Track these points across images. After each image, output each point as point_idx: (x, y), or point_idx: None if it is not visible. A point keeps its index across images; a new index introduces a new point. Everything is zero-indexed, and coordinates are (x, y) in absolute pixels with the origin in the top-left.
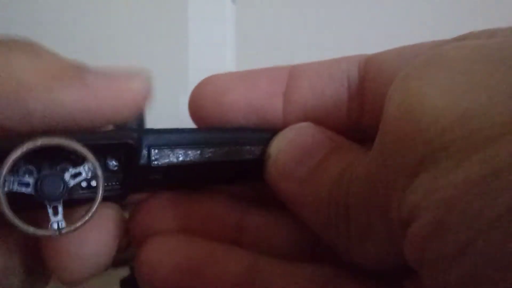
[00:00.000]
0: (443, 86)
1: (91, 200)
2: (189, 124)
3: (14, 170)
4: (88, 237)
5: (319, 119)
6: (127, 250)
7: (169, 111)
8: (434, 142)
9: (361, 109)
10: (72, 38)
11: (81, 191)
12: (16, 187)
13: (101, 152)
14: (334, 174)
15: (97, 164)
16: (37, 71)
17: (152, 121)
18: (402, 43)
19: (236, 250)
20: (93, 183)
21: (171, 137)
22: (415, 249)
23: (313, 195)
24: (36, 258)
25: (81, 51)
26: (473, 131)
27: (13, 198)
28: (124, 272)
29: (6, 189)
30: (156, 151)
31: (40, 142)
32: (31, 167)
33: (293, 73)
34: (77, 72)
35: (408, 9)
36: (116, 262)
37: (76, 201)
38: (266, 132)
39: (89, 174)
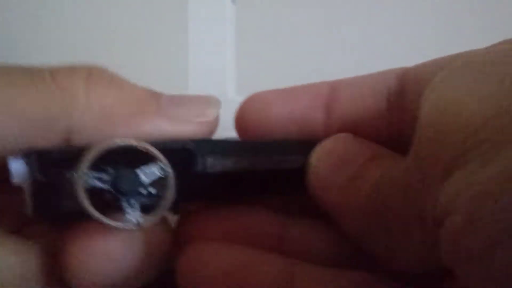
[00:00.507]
0: (475, 87)
1: (155, 203)
2: None
3: (92, 167)
4: (115, 254)
5: (360, 130)
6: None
7: None
8: (468, 141)
9: (401, 120)
10: (72, 38)
11: (146, 195)
12: (95, 183)
13: (165, 154)
14: (372, 181)
15: (167, 164)
16: (122, 103)
17: None
18: (404, 43)
19: (276, 256)
20: (153, 191)
21: (223, 146)
22: (449, 247)
23: (351, 203)
24: (57, 267)
25: (82, 51)
26: (505, 128)
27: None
28: None
29: (86, 184)
30: (211, 158)
31: (117, 142)
32: (103, 166)
33: (334, 86)
34: (155, 101)
35: (408, 10)
36: None
37: (144, 207)
38: (310, 143)
39: (161, 173)
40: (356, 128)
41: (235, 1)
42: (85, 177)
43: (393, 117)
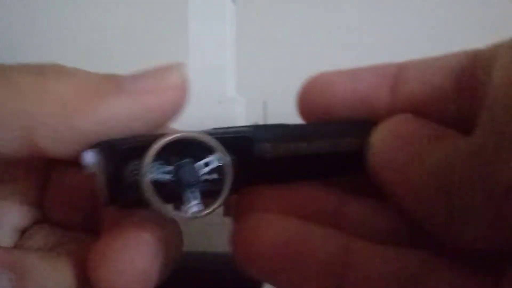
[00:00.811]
0: None
1: (214, 191)
2: (189, 121)
3: (155, 160)
4: (122, 267)
5: (427, 110)
6: None
7: None
8: None
9: (471, 101)
10: (73, 38)
11: (205, 184)
12: (159, 176)
13: (223, 143)
14: (435, 158)
15: (226, 153)
16: (77, 90)
17: None
18: (404, 43)
19: (332, 231)
20: (214, 175)
21: (280, 132)
22: None
23: (413, 181)
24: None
25: (82, 50)
26: None
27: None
28: None
29: (150, 177)
30: (269, 144)
31: (178, 135)
32: (162, 162)
33: (402, 67)
34: (113, 82)
35: (410, 10)
36: None
37: (204, 192)
38: (370, 124)
39: (219, 162)
40: (423, 109)
41: (235, 1)
42: (149, 171)
43: (463, 99)
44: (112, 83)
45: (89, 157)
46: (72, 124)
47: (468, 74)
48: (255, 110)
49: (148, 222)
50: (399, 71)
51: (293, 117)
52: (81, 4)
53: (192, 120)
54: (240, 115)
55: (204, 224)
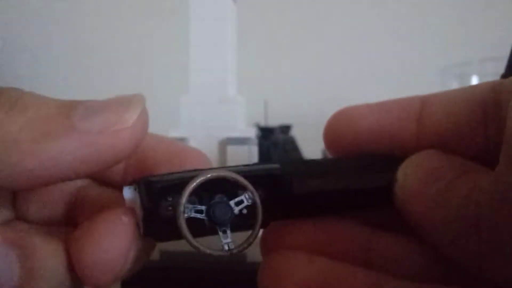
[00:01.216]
0: None
1: (247, 226)
2: (190, 121)
3: (189, 198)
4: (105, 246)
5: (454, 144)
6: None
7: (170, 111)
8: None
9: (498, 132)
10: (73, 38)
11: (236, 219)
12: (193, 214)
13: (253, 181)
14: (463, 193)
15: (255, 193)
16: (27, 128)
17: (153, 121)
18: (405, 43)
19: (362, 270)
20: (244, 211)
21: (309, 167)
22: None
23: (441, 215)
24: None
25: (82, 51)
26: None
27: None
28: None
29: (185, 216)
30: (297, 180)
31: (211, 176)
32: (194, 198)
33: (426, 100)
34: (65, 118)
35: (409, 10)
36: None
37: (234, 228)
38: (396, 159)
39: (250, 201)
40: (449, 142)
41: (236, 0)
42: (184, 210)
43: (490, 130)
44: (64, 120)
45: (128, 193)
46: (15, 162)
47: (493, 106)
48: (256, 109)
49: (127, 208)
50: (424, 104)
51: (293, 117)
52: (82, 5)
53: (193, 120)
54: (241, 114)
55: None
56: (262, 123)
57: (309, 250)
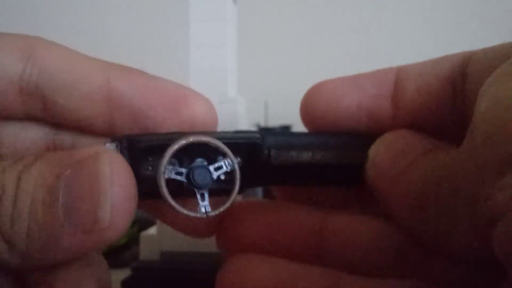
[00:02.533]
0: None
1: (224, 191)
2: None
3: (169, 161)
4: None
5: (426, 121)
6: (127, 251)
7: None
8: None
9: (463, 107)
10: (73, 37)
11: (216, 184)
12: (173, 175)
13: (233, 148)
14: (426, 170)
15: (235, 160)
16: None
17: None
18: (405, 43)
19: (319, 269)
20: (223, 177)
21: (288, 140)
22: (503, 247)
23: (404, 191)
24: None
25: (82, 51)
26: None
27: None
28: (125, 273)
29: (165, 176)
30: (275, 151)
31: (193, 140)
32: (174, 160)
33: (399, 74)
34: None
35: (408, 12)
36: (118, 263)
37: (212, 192)
38: (371, 138)
39: (229, 168)
40: (423, 117)
41: (236, 1)
42: (165, 171)
43: (457, 104)
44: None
45: (110, 149)
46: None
47: (460, 80)
48: (256, 110)
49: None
50: (398, 78)
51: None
52: (82, 5)
53: None
54: (241, 115)
55: None
56: (262, 124)
57: (265, 245)
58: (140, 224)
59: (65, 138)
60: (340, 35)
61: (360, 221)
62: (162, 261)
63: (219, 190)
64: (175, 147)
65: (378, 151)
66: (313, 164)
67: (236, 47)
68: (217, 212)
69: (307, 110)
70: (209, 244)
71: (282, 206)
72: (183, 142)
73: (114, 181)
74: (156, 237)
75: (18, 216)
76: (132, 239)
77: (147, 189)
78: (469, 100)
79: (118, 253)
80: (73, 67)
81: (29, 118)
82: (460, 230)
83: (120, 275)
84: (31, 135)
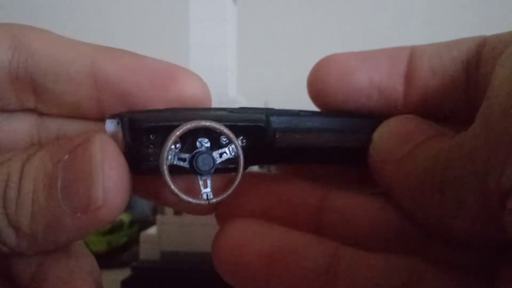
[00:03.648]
0: None
1: (228, 170)
2: None
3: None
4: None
5: (439, 99)
6: (127, 251)
7: None
8: None
9: (475, 91)
10: (73, 37)
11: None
12: (176, 161)
13: (237, 130)
14: (431, 153)
15: (239, 147)
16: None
17: None
18: (404, 42)
19: (318, 239)
20: (226, 162)
21: (293, 121)
22: None
23: (408, 175)
24: None
25: None
26: None
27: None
28: (125, 273)
29: (168, 162)
30: (280, 133)
31: (197, 124)
32: (182, 142)
33: (413, 54)
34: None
35: (409, 11)
36: (118, 263)
37: (217, 171)
38: (375, 121)
39: (232, 154)
40: (435, 97)
41: (236, 1)
42: (168, 156)
43: (469, 87)
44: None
45: (110, 126)
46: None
47: (474, 64)
48: None
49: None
50: (411, 58)
51: None
52: (82, 6)
53: None
54: None
55: (204, 225)
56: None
57: (263, 212)
58: (140, 224)
59: (51, 126)
60: (340, 35)
61: (360, 200)
62: (162, 261)
63: (221, 169)
64: (177, 133)
65: (382, 135)
66: (317, 146)
67: (236, 47)
68: (219, 198)
69: (315, 84)
70: (209, 244)
71: (283, 180)
72: (187, 126)
73: (105, 164)
74: (156, 237)
75: (22, 201)
76: (132, 239)
77: (148, 166)
78: (482, 83)
79: (118, 253)
80: (59, 51)
81: (22, 108)
82: (465, 213)
83: (120, 275)
84: (18, 125)
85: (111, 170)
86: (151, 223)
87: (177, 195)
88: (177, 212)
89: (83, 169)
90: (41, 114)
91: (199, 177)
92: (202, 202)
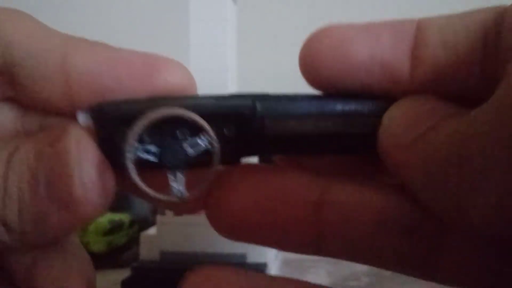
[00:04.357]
0: None
1: (204, 162)
2: None
3: (140, 136)
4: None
5: (450, 75)
6: (127, 251)
7: None
8: None
9: (494, 66)
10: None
11: (192, 160)
12: (142, 155)
13: (217, 119)
14: (448, 133)
15: (214, 137)
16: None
17: None
18: None
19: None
20: (200, 154)
21: (285, 106)
22: None
23: (422, 159)
24: None
25: None
26: None
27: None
28: (125, 273)
29: (133, 157)
30: (270, 121)
31: (162, 113)
32: (151, 133)
33: (421, 26)
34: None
35: (409, 11)
36: (118, 263)
37: (191, 163)
38: (382, 102)
39: (207, 145)
40: (445, 77)
41: (236, 1)
42: (133, 150)
43: (488, 61)
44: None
45: (82, 119)
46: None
47: (493, 35)
48: None
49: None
50: (419, 31)
51: None
52: (82, 6)
53: None
54: None
55: (204, 225)
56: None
57: (259, 216)
58: (140, 224)
59: (33, 120)
60: None
61: (364, 193)
62: (162, 261)
63: (197, 164)
64: (142, 123)
65: (393, 118)
66: (316, 133)
67: (236, 46)
68: (192, 194)
69: (307, 56)
70: (209, 244)
71: (279, 172)
72: (155, 116)
73: (81, 159)
74: (156, 237)
75: (9, 197)
76: (132, 239)
77: (124, 160)
78: (503, 57)
79: (118, 253)
80: (32, 44)
81: (4, 98)
82: (489, 188)
83: (120, 275)
84: (1, 116)
85: (89, 165)
86: (151, 223)
87: (145, 192)
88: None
89: (62, 164)
90: (22, 107)
91: (170, 172)
92: (173, 199)
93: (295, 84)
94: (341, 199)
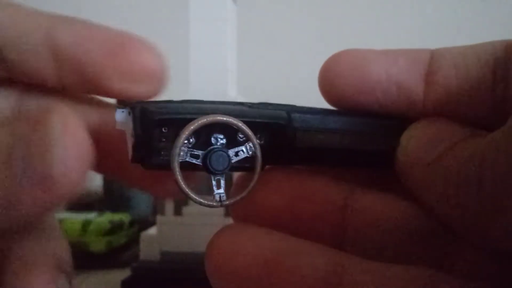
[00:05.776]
0: None
1: (243, 169)
2: None
3: (187, 139)
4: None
5: (461, 101)
6: (127, 251)
7: None
8: None
9: (504, 94)
10: None
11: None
12: (188, 158)
13: (254, 127)
14: (464, 155)
15: (258, 146)
16: None
17: None
18: (402, 44)
19: (321, 246)
20: (242, 161)
21: (315, 121)
22: None
23: (440, 179)
24: None
25: None
26: None
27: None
28: (125, 273)
29: (180, 159)
30: (302, 133)
31: (213, 119)
32: (196, 138)
33: (435, 54)
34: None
35: (408, 12)
36: (118, 263)
37: (232, 169)
38: (401, 123)
39: (250, 153)
40: (457, 97)
41: (236, 1)
42: (180, 153)
43: (497, 91)
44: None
45: (120, 116)
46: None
47: (503, 66)
48: None
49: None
50: (432, 57)
51: None
52: (82, 5)
53: None
54: None
55: (204, 225)
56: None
57: (284, 219)
58: (140, 224)
59: (30, 105)
60: (341, 35)
61: (387, 201)
62: (162, 261)
63: (236, 168)
64: (191, 127)
65: (411, 137)
66: (340, 148)
67: (236, 46)
68: (233, 200)
69: (326, 75)
70: None
71: (305, 176)
72: (201, 121)
73: (65, 136)
74: (156, 237)
75: None
76: (132, 239)
77: (158, 161)
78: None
79: (118, 253)
80: (18, 22)
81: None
82: (509, 218)
83: (120, 275)
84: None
85: (71, 143)
86: (151, 223)
87: (187, 195)
88: (177, 212)
89: (42, 141)
90: (19, 91)
91: (212, 176)
92: (215, 203)
93: (295, 84)
94: (364, 205)
